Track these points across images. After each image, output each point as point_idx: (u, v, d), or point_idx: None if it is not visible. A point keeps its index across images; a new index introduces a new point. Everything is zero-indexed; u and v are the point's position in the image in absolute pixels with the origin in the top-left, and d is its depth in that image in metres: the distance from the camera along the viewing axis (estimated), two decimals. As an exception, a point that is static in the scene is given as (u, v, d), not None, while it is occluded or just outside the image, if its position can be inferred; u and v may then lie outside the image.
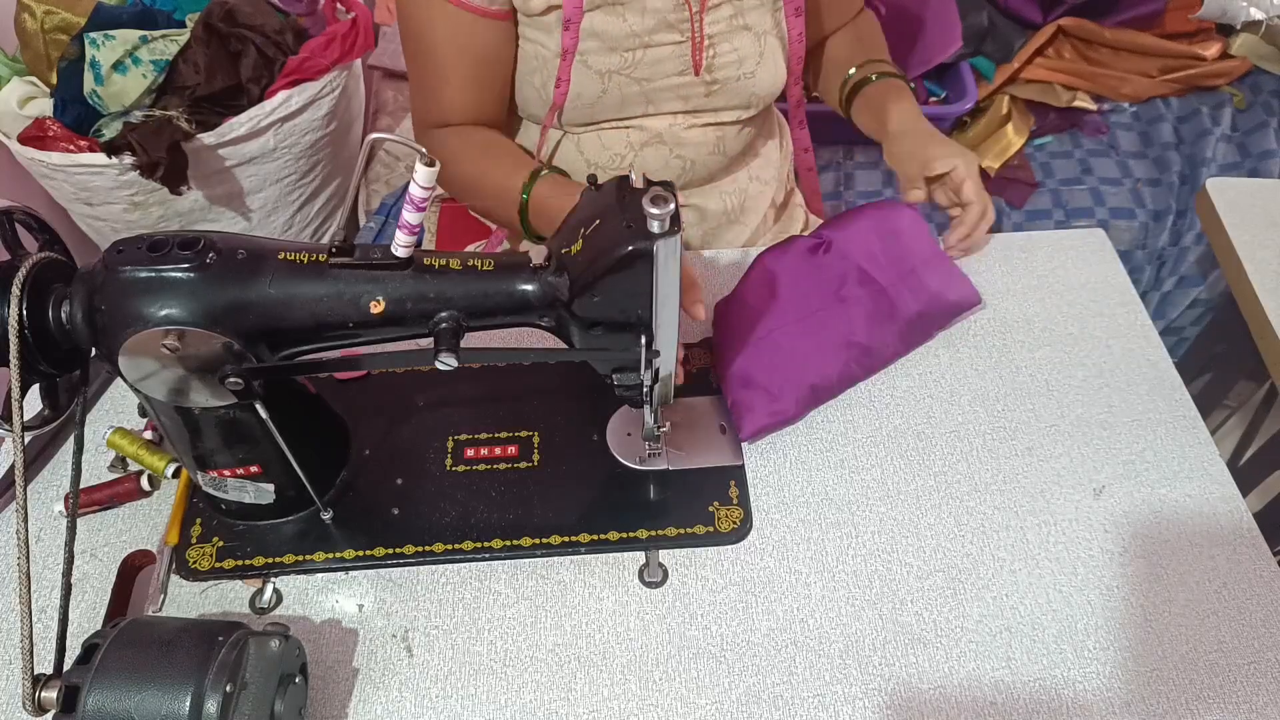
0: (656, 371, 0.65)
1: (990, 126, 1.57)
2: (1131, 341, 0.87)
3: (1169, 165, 1.50)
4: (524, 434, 0.80)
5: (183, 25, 1.44)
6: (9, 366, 0.57)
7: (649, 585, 0.71)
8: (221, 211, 1.49)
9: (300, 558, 0.72)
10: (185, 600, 0.71)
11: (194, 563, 0.72)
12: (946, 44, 1.52)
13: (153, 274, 0.57)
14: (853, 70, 0.99)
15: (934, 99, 1.58)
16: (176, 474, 0.76)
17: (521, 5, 0.84)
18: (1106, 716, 0.64)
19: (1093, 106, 1.59)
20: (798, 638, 0.68)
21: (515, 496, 0.76)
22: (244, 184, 1.47)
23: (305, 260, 0.60)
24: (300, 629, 0.69)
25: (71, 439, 0.66)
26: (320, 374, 0.73)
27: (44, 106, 1.40)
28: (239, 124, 1.37)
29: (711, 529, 0.74)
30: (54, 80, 1.38)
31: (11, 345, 0.57)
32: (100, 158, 1.30)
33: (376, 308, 0.60)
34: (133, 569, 0.74)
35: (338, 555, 0.72)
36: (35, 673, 0.55)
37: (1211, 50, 1.56)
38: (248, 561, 0.72)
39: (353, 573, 0.72)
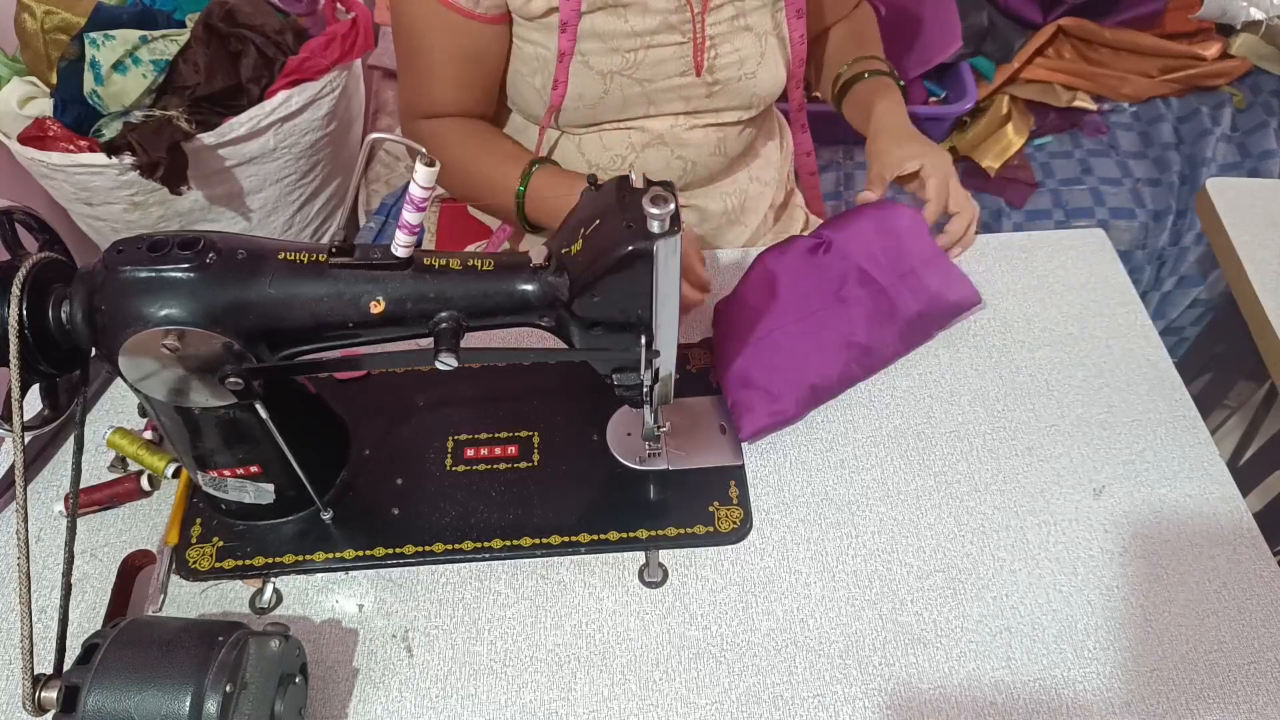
0: (656, 371, 0.65)
1: (990, 126, 1.57)
2: (1131, 341, 0.87)
3: (1169, 165, 1.50)
4: (524, 434, 0.80)
5: (183, 25, 1.44)
6: (9, 366, 0.57)
7: (649, 585, 0.71)
8: (221, 211, 1.49)
9: (300, 558, 0.72)
10: (185, 600, 0.71)
11: (194, 563, 0.72)
12: (946, 44, 1.52)
13: (153, 274, 0.57)
14: (845, 66, 0.99)
15: (934, 99, 1.58)
16: (176, 474, 0.76)
17: (521, 8, 0.84)
18: (1106, 716, 0.64)
19: (1093, 106, 1.59)
20: (798, 638, 0.68)
21: (515, 496, 0.76)
22: (244, 184, 1.47)
23: (305, 260, 0.60)
24: (300, 629, 0.69)
25: (71, 439, 0.66)
26: (320, 374, 0.73)
27: (44, 106, 1.40)
28: (239, 124, 1.37)
29: (711, 529, 0.74)
30: (54, 80, 1.38)
31: (11, 345, 0.57)
32: (100, 158, 1.30)
33: (376, 308, 0.60)
34: (133, 569, 0.74)
35: (338, 555, 0.72)
36: (35, 673, 0.55)
37: (1211, 50, 1.56)
38: (248, 561, 0.72)
39: (353, 573, 0.72)
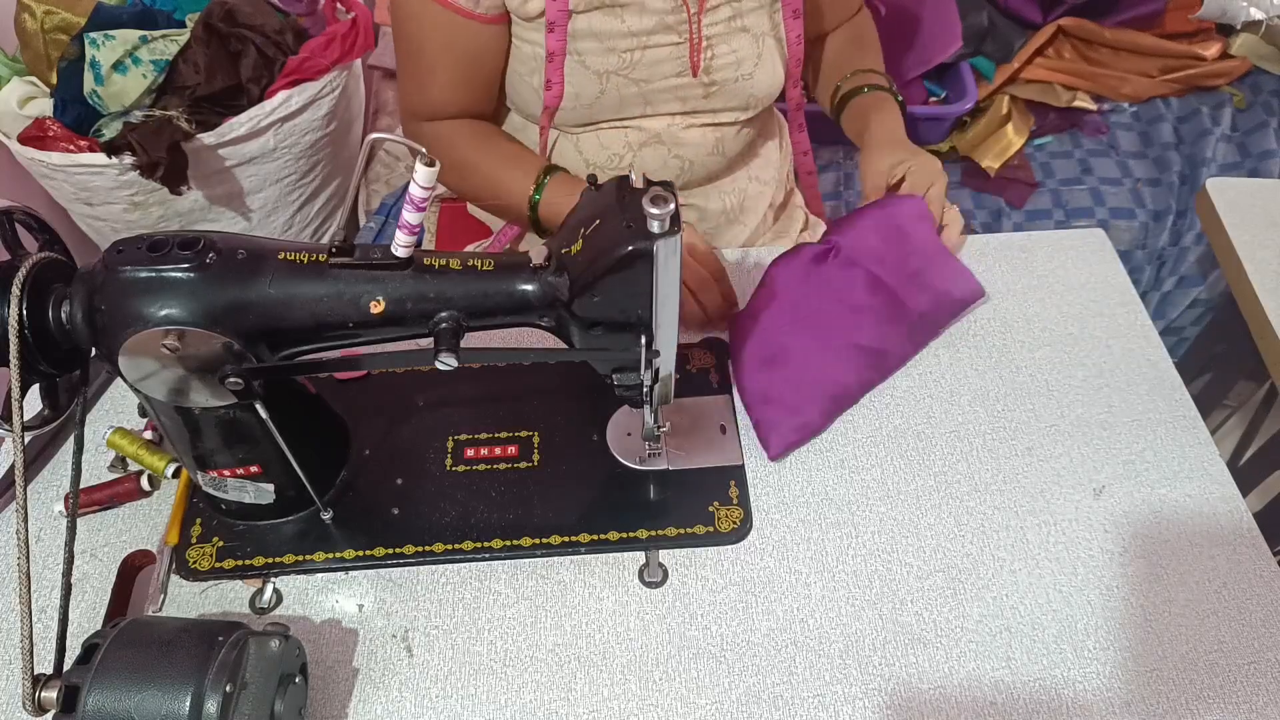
0: (656, 371, 0.65)
1: (990, 126, 1.57)
2: (1131, 341, 0.87)
3: (1169, 165, 1.50)
4: (524, 434, 0.80)
5: (183, 25, 1.44)
6: (9, 366, 0.57)
7: (649, 585, 0.71)
8: (221, 211, 1.49)
9: (300, 558, 0.72)
10: (185, 600, 0.71)
11: (194, 563, 0.72)
12: (946, 44, 1.52)
13: (153, 274, 0.57)
14: (845, 79, 1.00)
15: (934, 99, 1.58)
16: (176, 474, 0.76)
17: (517, 9, 0.84)
18: (1106, 716, 0.64)
19: (1093, 106, 1.59)
20: (798, 638, 0.68)
21: (515, 496, 0.76)
22: (244, 184, 1.47)
23: (305, 260, 0.60)
24: (300, 629, 0.69)
25: (71, 439, 0.66)
26: (320, 374, 0.73)
27: (44, 106, 1.40)
28: (239, 124, 1.37)
29: (711, 529, 0.74)
30: (54, 80, 1.38)
31: (11, 345, 0.57)
32: (100, 158, 1.30)
33: (376, 308, 0.60)
34: (133, 569, 0.74)
35: (338, 555, 0.72)
36: (35, 673, 0.55)
37: (1211, 50, 1.56)
38: (248, 561, 0.72)
39: (353, 573, 0.72)
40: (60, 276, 0.60)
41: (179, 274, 0.57)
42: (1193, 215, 1.45)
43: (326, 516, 0.74)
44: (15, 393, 0.57)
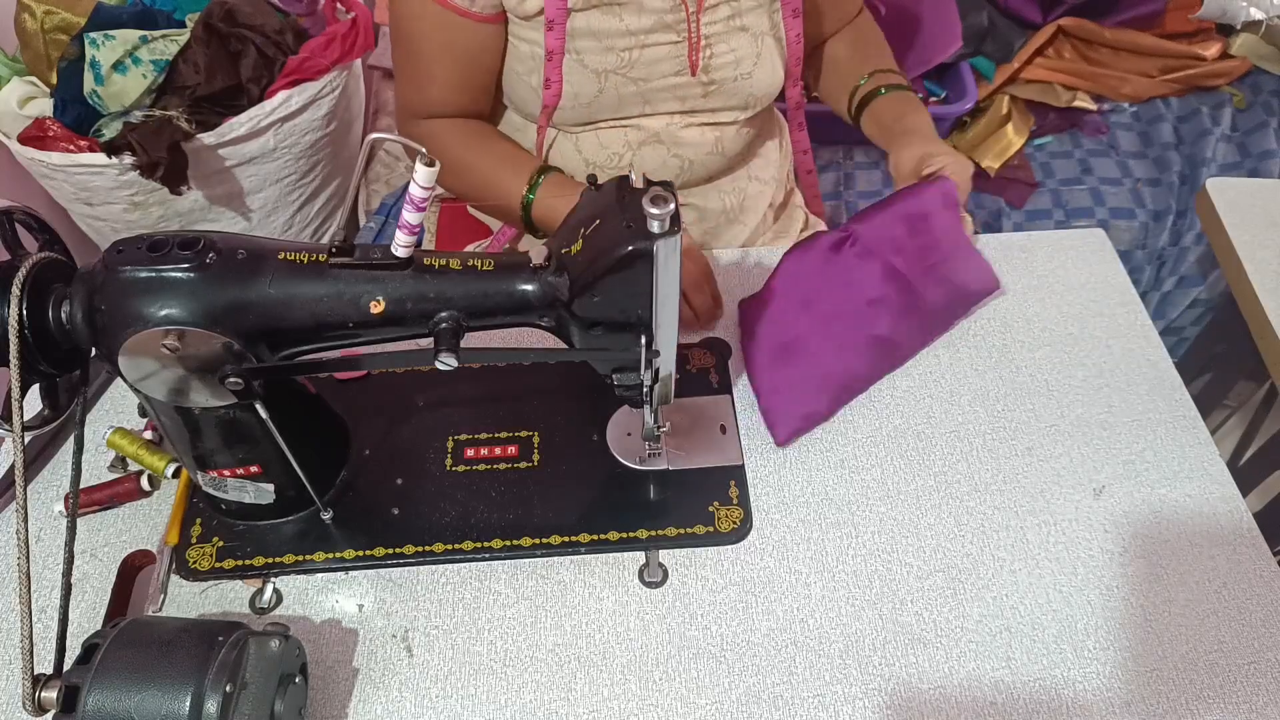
0: (656, 371, 0.65)
1: (990, 126, 1.57)
2: (1131, 341, 0.87)
3: (1169, 165, 1.50)
4: (524, 434, 0.80)
5: (183, 25, 1.44)
6: (9, 366, 0.57)
7: (649, 585, 0.71)
8: (221, 211, 1.49)
9: (300, 558, 0.72)
10: (185, 600, 0.71)
11: (194, 563, 0.72)
12: (946, 44, 1.52)
13: (153, 274, 0.57)
14: (862, 80, 0.99)
15: (934, 99, 1.58)
16: (176, 474, 0.76)
17: (515, 7, 0.84)
18: (1106, 716, 0.64)
19: (1093, 106, 1.59)
20: (798, 638, 0.68)
21: (515, 496, 0.76)
22: (244, 184, 1.47)
23: (305, 260, 0.60)
24: (300, 629, 0.69)
25: (71, 439, 0.66)
26: (320, 374, 0.73)
27: (44, 106, 1.40)
28: (239, 124, 1.37)
29: (711, 529, 0.74)
30: (54, 80, 1.38)
31: (11, 345, 0.57)
32: (100, 158, 1.30)
33: (376, 308, 0.60)
34: (133, 569, 0.74)
35: (338, 555, 0.72)
36: (35, 673, 0.55)
37: (1211, 50, 1.56)
38: (248, 561, 0.72)
39: (353, 573, 0.72)
40: (60, 276, 0.60)
41: (179, 274, 0.57)
42: (1193, 215, 1.45)
43: (326, 516, 0.74)
44: (15, 393, 0.57)
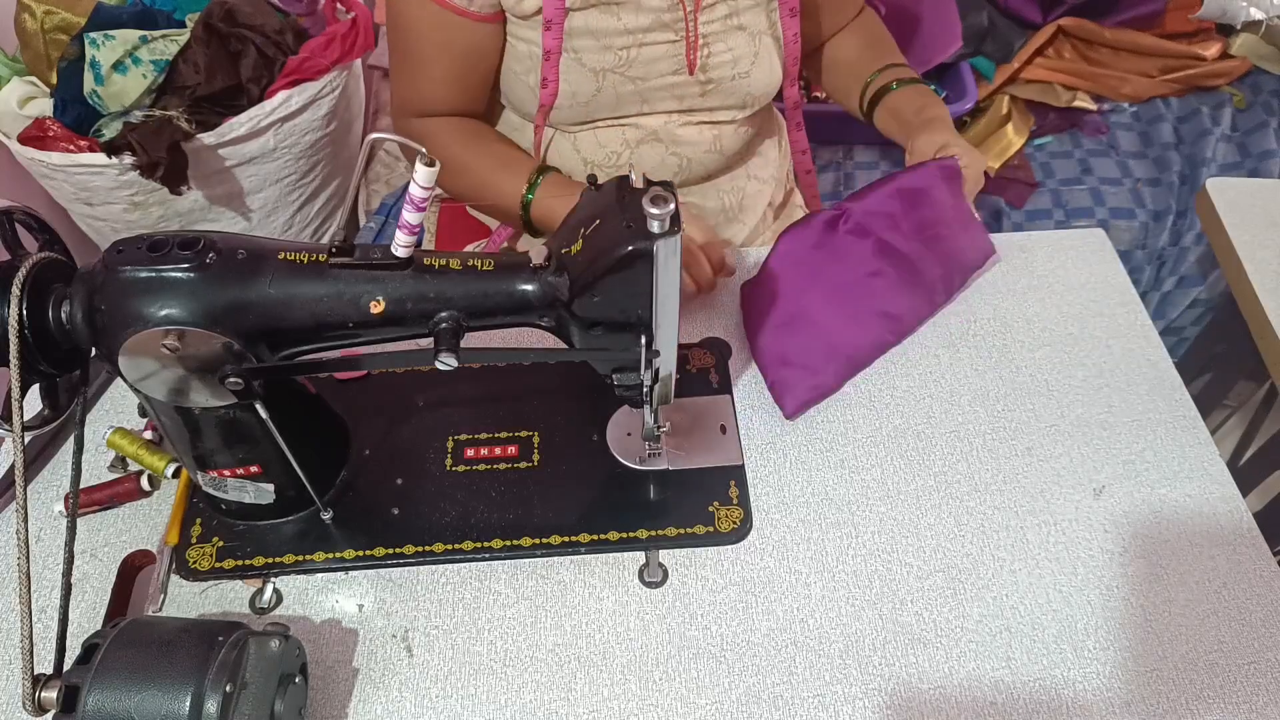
0: (656, 371, 0.65)
1: (990, 126, 1.57)
2: (1131, 341, 0.87)
3: (1169, 165, 1.50)
4: (524, 434, 0.80)
5: (183, 25, 1.44)
6: (9, 366, 0.57)
7: (649, 585, 0.71)
8: (221, 211, 1.49)
9: (300, 558, 0.72)
10: (185, 600, 0.71)
11: (194, 563, 0.72)
12: (946, 44, 1.52)
13: (153, 274, 0.57)
14: (872, 76, 0.99)
15: (934, 99, 1.58)
16: (176, 474, 0.76)
17: (513, 7, 0.84)
18: (1106, 716, 0.64)
19: (1093, 106, 1.59)
20: (798, 638, 0.68)
21: (515, 496, 0.76)
22: (244, 184, 1.47)
23: (305, 260, 0.60)
24: (300, 629, 0.69)
25: (71, 439, 0.66)
26: (320, 374, 0.73)
27: (44, 106, 1.40)
28: (239, 124, 1.37)
29: (711, 529, 0.74)
30: (54, 80, 1.38)
31: (11, 345, 0.57)
32: (100, 158, 1.30)
33: (376, 308, 0.60)
34: (133, 569, 0.74)
35: (338, 555, 0.72)
36: (35, 673, 0.55)
37: (1211, 50, 1.56)
38: (248, 561, 0.72)
39: (353, 573, 0.72)
40: (60, 276, 0.60)
41: (179, 274, 0.57)
42: (1193, 215, 1.44)
43: (326, 516, 0.74)
44: (15, 393, 0.57)
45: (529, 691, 0.66)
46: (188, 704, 0.54)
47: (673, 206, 0.55)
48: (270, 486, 0.71)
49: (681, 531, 0.73)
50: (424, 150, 0.55)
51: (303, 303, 0.59)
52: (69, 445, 0.75)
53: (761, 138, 1.06)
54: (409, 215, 0.57)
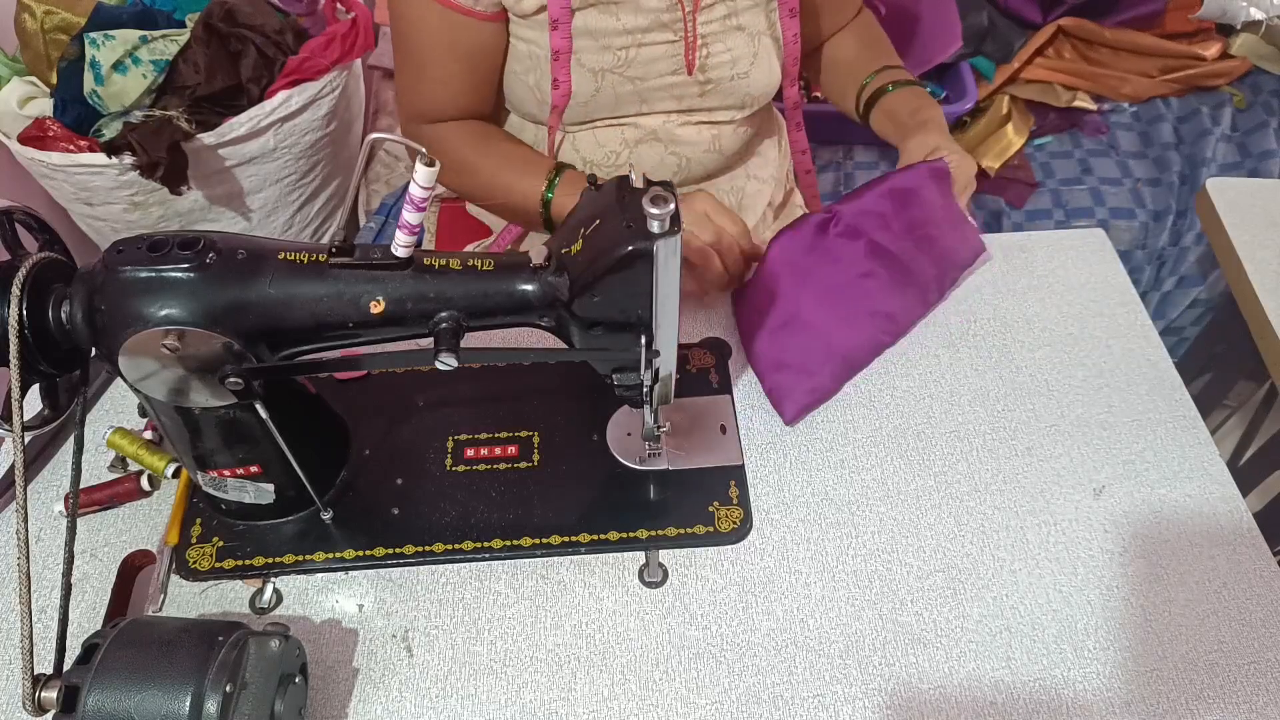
0: (656, 371, 0.65)
1: (990, 126, 1.57)
2: (1131, 341, 0.87)
3: (1169, 165, 1.50)
4: (524, 434, 0.80)
5: (183, 25, 1.44)
6: (9, 366, 0.57)
7: (649, 585, 0.71)
8: (221, 211, 1.49)
9: (300, 558, 0.72)
10: (185, 600, 0.71)
11: (194, 563, 0.72)
12: (946, 44, 1.52)
13: (153, 274, 0.57)
14: (869, 78, 1.00)
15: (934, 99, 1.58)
16: (176, 474, 0.76)
17: (514, 5, 0.84)
18: (1106, 716, 0.64)
19: (1093, 106, 1.59)
20: (798, 638, 0.68)
21: (515, 496, 0.76)
22: (244, 184, 1.47)
23: (305, 260, 0.60)
24: (300, 629, 0.69)
25: (71, 439, 0.66)
26: (320, 374, 0.73)
27: (44, 106, 1.40)
28: (239, 124, 1.37)
29: (711, 529, 0.74)
30: (54, 80, 1.38)
31: (11, 345, 0.57)
32: (100, 158, 1.30)
33: (376, 308, 0.60)
34: (133, 569, 0.74)
35: (338, 555, 0.72)
36: (35, 673, 0.55)
37: (1211, 50, 1.56)
38: (248, 561, 0.72)
39: (353, 573, 0.72)
40: (60, 276, 0.60)
41: (179, 274, 0.57)
42: (1193, 215, 1.45)
43: (326, 516, 0.74)
44: (15, 393, 0.57)
45: (529, 691, 0.66)
46: (188, 704, 0.54)
47: (672, 206, 0.55)
48: (270, 486, 0.71)
49: (681, 531, 0.73)
50: (424, 151, 0.55)
51: (303, 303, 0.59)
52: (69, 445, 0.75)
53: (761, 138, 1.06)
54: (409, 215, 0.57)
